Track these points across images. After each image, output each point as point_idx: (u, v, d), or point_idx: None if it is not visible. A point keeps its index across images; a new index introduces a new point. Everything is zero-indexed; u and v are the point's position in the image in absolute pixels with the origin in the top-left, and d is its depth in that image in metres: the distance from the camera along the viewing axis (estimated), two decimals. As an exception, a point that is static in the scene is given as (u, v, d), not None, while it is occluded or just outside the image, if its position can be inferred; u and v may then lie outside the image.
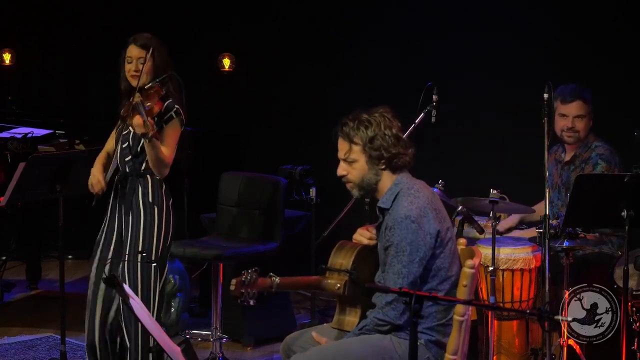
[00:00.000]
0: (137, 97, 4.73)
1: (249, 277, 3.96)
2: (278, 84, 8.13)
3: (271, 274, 4.10)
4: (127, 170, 4.94)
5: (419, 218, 4.00)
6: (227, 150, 7.89)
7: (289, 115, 8.06)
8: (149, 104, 4.74)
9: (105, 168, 5.06)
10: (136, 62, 4.91)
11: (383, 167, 4.11)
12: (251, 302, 3.98)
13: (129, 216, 4.88)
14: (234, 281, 3.95)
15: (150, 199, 4.88)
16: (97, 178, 5.00)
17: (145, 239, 4.84)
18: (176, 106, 4.86)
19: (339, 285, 4.17)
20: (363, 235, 4.30)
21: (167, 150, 4.80)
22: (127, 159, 4.93)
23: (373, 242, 4.27)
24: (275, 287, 4.08)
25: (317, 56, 7.89)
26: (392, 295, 3.97)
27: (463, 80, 7.12)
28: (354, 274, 4.16)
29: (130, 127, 4.85)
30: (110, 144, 5.13)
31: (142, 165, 4.89)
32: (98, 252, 4.98)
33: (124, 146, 4.94)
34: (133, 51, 4.94)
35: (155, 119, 4.73)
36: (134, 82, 4.90)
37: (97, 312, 4.96)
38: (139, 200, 4.88)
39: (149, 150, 4.75)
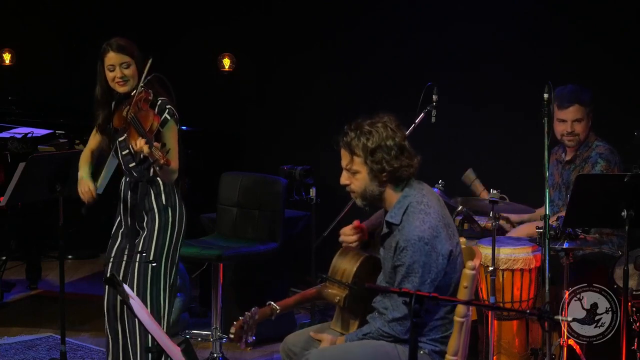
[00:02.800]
0: (130, 111, 4.59)
1: (249, 322, 3.93)
2: (278, 84, 8.13)
3: (270, 302, 4.07)
4: (135, 175, 4.85)
5: (432, 239, 3.93)
6: (227, 150, 7.89)
7: (289, 115, 8.05)
8: (142, 114, 4.57)
9: (91, 169, 4.94)
10: (119, 68, 4.75)
11: (385, 179, 4.01)
12: (250, 340, 3.96)
13: (144, 219, 4.83)
14: (233, 329, 3.91)
15: (164, 201, 4.82)
16: (87, 186, 4.87)
17: (159, 241, 4.80)
18: (168, 106, 4.74)
19: (338, 297, 4.14)
20: (348, 235, 4.21)
21: (172, 156, 4.60)
22: (131, 166, 4.84)
23: (357, 243, 4.19)
24: (275, 315, 4.07)
25: (318, 56, 7.89)
26: (401, 312, 3.95)
27: (464, 80, 7.12)
28: (354, 289, 4.12)
29: (126, 134, 4.73)
30: (92, 142, 5.00)
31: (149, 171, 4.78)
32: (112, 255, 4.91)
33: (124, 153, 4.84)
34: (113, 58, 4.75)
35: (164, 145, 4.52)
36: (121, 89, 4.77)
37: (118, 319, 4.92)
38: (152, 203, 4.82)
39: (159, 171, 4.60)
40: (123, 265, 4.88)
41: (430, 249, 3.92)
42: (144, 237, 4.81)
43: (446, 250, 3.95)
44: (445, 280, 3.98)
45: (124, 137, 4.80)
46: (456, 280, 4.02)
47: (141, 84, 4.70)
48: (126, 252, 4.88)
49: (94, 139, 5.02)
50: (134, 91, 4.70)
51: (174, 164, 4.63)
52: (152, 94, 4.69)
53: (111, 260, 4.91)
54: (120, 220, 4.95)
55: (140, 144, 4.47)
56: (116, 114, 4.76)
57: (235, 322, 3.95)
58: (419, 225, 3.93)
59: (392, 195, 4.05)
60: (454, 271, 4.02)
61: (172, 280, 4.86)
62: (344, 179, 4.08)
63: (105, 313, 4.92)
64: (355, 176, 4.04)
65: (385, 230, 4.08)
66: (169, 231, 4.82)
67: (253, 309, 3.98)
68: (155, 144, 4.46)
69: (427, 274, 3.92)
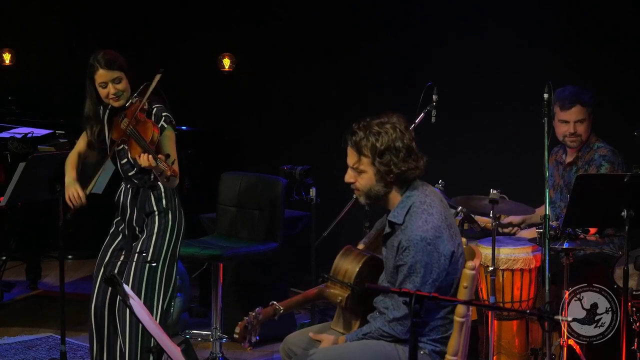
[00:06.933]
0: (125, 123, 4.59)
1: (253, 322, 3.93)
2: (278, 84, 8.13)
3: (274, 302, 4.07)
4: (136, 182, 4.85)
5: (435, 240, 3.92)
6: (227, 150, 7.89)
7: (289, 115, 8.05)
8: (141, 125, 4.55)
9: (78, 174, 4.92)
10: (111, 84, 4.73)
11: (391, 180, 3.99)
12: (254, 340, 3.96)
13: (144, 221, 4.83)
14: (237, 329, 3.90)
15: (164, 204, 4.82)
16: (76, 192, 4.84)
17: (157, 243, 4.79)
18: (164, 114, 4.72)
19: (340, 298, 4.13)
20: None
21: (175, 164, 4.57)
22: (130, 174, 4.84)
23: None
24: (278, 315, 4.06)
25: (317, 56, 7.89)
26: (402, 311, 3.95)
27: (464, 80, 7.12)
28: (356, 289, 4.11)
29: (124, 145, 4.72)
30: (81, 145, 5.00)
31: (150, 177, 4.79)
32: (108, 255, 4.92)
33: (123, 162, 4.84)
34: (104, 75, 4.74)
35: (168, 157, 4.45)
36: (116, 104, 4.76)
37: (105, 316, 4.92)
38: (153, 206, 4.81)
39: (164, 181, 4.55)
40: (118, 265, 4.89)
41: (432, 249, 3.92)
42: (143, 239, 4.81)
43: (448, 251, 3.95)
44: (447, 280, 3.98)
45: (122, 146, 4.79)
46: (457, 281, 4.02)
47: (135, 95, 4.68)
48: (123, 253, 4.88)
49: (83, 141, 5.01)
50: (128, 102, 4.71)
51: (176, 167, 4.60)
52: (146, 103, 4.67)
53: (106, 259, 4.91)
54: (118, 225, 4.95)
55: (145, 159, 4.45)
56: (113, 127, 4.75)
57: (239, 322, 3.94)
58: (422, 226, 3.93)
59: (395, 196, 4.04)
60: (456, 272, 4.01)
61: (171, 283, 4.85)
62: (349, 177, 4.05)
63: (92, 314, 4.92)
64: (361, 175, 4.01)
65: (387, 230, 4.08)
66: (167, 234, 4.82)
67: (257, 309, 3.98)
68: (159, 156, 4.43)
69: (428, 274, 3.92)
